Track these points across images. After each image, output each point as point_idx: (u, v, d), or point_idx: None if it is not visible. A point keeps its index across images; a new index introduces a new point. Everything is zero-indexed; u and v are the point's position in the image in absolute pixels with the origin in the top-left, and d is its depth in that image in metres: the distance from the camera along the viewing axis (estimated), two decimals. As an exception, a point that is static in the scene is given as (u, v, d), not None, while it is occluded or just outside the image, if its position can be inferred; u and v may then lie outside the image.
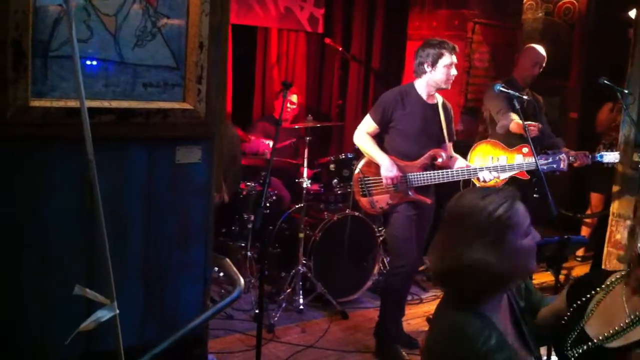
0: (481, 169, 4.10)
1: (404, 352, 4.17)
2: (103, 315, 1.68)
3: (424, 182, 4.03)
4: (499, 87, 4.24)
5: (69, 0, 1.64)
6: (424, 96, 4.06)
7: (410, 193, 4.05)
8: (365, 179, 4.12)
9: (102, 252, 1.64)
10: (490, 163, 4.37)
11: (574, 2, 6.92)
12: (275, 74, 5.96)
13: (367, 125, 4.11)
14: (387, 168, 3.97)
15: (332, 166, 5.05)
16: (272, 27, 5.96)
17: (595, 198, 6.00)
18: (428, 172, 4.03)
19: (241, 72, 5.52)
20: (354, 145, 4.29)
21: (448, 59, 3.93)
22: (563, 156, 4.16)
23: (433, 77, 3.99)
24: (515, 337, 1.96)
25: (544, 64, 4.72)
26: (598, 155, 4.39)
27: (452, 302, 1.98)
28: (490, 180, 4.05)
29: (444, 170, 4.04)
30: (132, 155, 1.96)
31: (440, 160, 4.04)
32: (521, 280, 2.02)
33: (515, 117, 4.40)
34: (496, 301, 1.92)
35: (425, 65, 3.97)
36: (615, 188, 4.50)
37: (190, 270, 2.10)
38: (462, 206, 1.88)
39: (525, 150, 4.40)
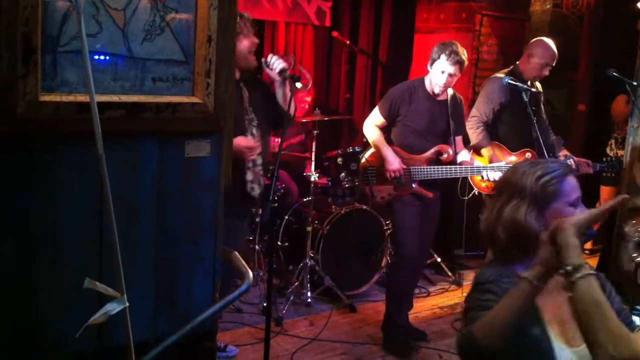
0: (485, 168, 4.13)
1: (411, 345, 4.18)
2: (113, 308, 1.69)
3: (428, 176, 4.05)
4: (507, 80, 4.22)
5: (78, -5, 1.65)
6: (431, 92, 4.07)
7: (413, 186, 4.07)
8: (370, 168, 4.15)
9: (113, 246, 1.65)
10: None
11: (582, -7, 6.88)
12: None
13: (376, 118, 4.14)
14: (391, 161, 4.01)
15: (339, 160, 5.06)
16: (279, 21, 5.96)
17: (605, 190, 5.98)
18: (432, 167, 4.04)
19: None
20: (362, 138, 4.32)
21: (442, 64, 3.93)
22: (571, 161, 4.19)
23: (430, 76, 4.05)
24: (569, 311, 1.94)
25: (553, 64, 4.53)
26: (600, 165, 4.43)
27: (492, 260, 2.07)
28: (495, 179, 4.07)
29: (448, 166, 4.05)
30: (143, 150, 1.97)
31: (445, 155, 4.06)
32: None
33: (485, 152, 4.41)
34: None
35: (429, 63, 4.02)
36: (624, 180, 4.48)
37: (200, 264, 2.11)
38: (514, 171, 2.00)
39: (528, 155, 4.39)
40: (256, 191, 3.59)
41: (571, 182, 1.96)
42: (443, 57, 3.88)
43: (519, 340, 1.80)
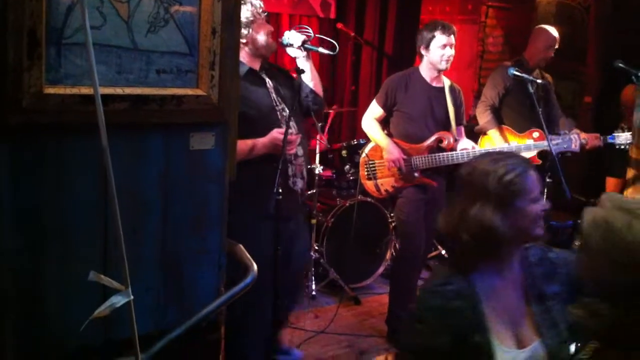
0: (487, 150, 4.11)
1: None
2: (117, 301, 1.69)
3: (429, 165, 4.04)
4: (513, 70, 4.22)
5: (82, -13, 1.64)
6: (428, 79, 4.07)
7: (416, 175, 4.06)
8: (371, 162, 4.14)
9: (117, 238, 1.65)
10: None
11: (589, -16, 6.84)
12: (287, 60, 5.94)
13: (374, 110, 4.14)
14: (389, 151, 3.99)
15: (344, 152, 5.06)
16: (283, 13, 5.94)
17: (611, 182, 5.95)
18: (433, 155, 4.03)
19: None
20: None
21: (441, 39, 3.93)
22: (575, 136, 4.15)
23: (430, 59, 4.02)
24: (523, 314, 1.97)
25: (556, 46, 4.67)
26: (610, 136, 4.36)
27: (447, 263, 2.04)
28: None
29: (450, 153, 4.04)
30: (148, 142, 1.96)
31: (446, 142, 4.05)
32: (522, 245, 2.03)
33: (493, 133, 4.39)
34: (494, 269, 1.95)
35: (421, 49, 4.02)
36: (629, 173, 4.46)
37: (206, 256, 2.11)
38: (473, 169, 1.96)
39: (535, 134, 4.38)
40: (298, 185, 3.39)
41: (532, 177, 1.93)
42: (438, 33, 3.93)
43: (459, 349, 1.82)
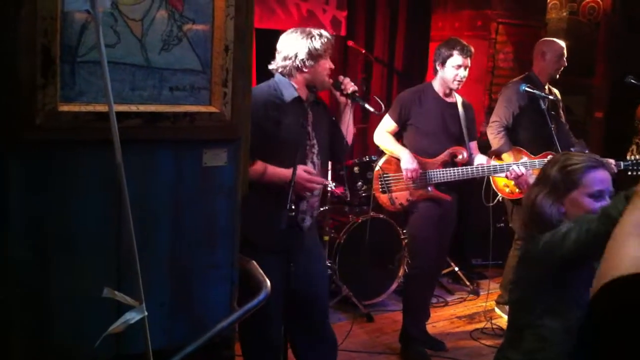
0: (501, 167, 4.10)
1: (429, 355, 4.15)
2: (132, 317, 1.69)
3: (444, 179, 4.02)
4: (524, 87, 4.21)
5: (96, 6, 1.67)
6: (441, 94, 4.07)
7: (429, 189, 4.04)
8: (385, 175, 4.13)
9: (131, 254, 1.66)
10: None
11: (599, 1, 6.84)
12: (298, 77, 5.96)
13: (387, 125, 4.13)
14: (408, 161, 3.98)
15: (356, 169, 5.05)
16: (294, 31, 5.96)
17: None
18: (448, 169, 4.02)
19: (264, 75, 5.53)
20: (378, 147, 4.29)
21: (457, 59, 3.94)
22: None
23: (443, 76, 4.02)
24: None
25: (566, 54, 4.64)
26: (623, 163, 4.34)
27: None
28: (520, 173, 4.05)
29: (464, 167, 4.03)
30: (160, 159, 1.98)
31: (460, 157, 4.04)
32: None
33: (508, 158, 4.39)
34: None
35: (437, 64, 4.02)
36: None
37: (217, 272, 2.12)
38: (549, 161, 2.20)
39: (550, 157, 4.37)
40: (307, 222, 3.26)
41: (596, 174, 2.06)
42: (456, 52, 3.93)
43: None
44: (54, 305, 1.86)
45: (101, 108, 1.83)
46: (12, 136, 1.74)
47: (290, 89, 3.13)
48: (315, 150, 3.25)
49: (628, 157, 5.79)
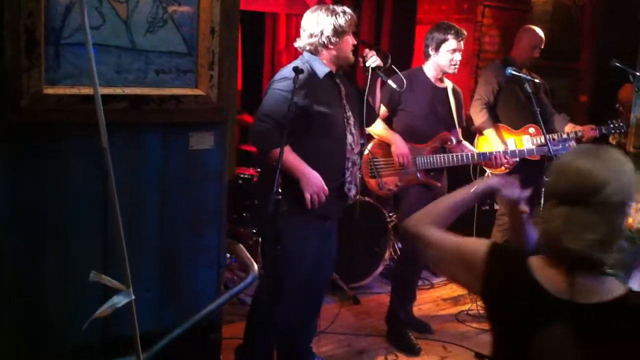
0: (491, 153, 4.11)
1: (414, 337, 4.18)
2: (119, 301, 1.69)
3: (433, 165, 4.03)
4: (511, 70, 4.22)
5: (80, -13, 1.65)
6: (432, 79, 4.06)
7: (418, 175, 4.05)
8: (375, 159, 4.11)
9: (118, 238, 1.65)
10: (500, 149, 4.32)
11: (584, -17, 6.86)
12: (284, 60, 5.94)
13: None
14: (399, 145, 3.97)
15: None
16: (280, 13, 5.94)
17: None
18: (437, 155, 4.03)
19: (250, 58, 5.51)
20: (364, 130, 4.28)
21: (452, 43, 3.93)
22: (572, 143, 4.17)
23: (437, 61, 4.01)
24: None
25: (542, 46, 4.65)
26: (604, 128, 4.39)
27: None
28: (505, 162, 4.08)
29: (456, 154, 4.04)
30: (147, 142, 1.97)
31: (449, 143, 4.05)
32: None
33: (490, 133, 4.42)
34: None
35: (430, 49, 4.00)
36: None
37: (205, 256, 2.11)
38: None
39: (531, 130, 4.40)
40: (352, 192, 3.43)
41: None
42: (450, 37, 3.91)
43: None
44: (42, 289, 1.86)
45: (86, 91, 1.81)
46: (-4, 119, 1.73)
47: (322, 65, 3.23)
48: (351, 122, 3.37)
49: (610, 141, 5.84)
